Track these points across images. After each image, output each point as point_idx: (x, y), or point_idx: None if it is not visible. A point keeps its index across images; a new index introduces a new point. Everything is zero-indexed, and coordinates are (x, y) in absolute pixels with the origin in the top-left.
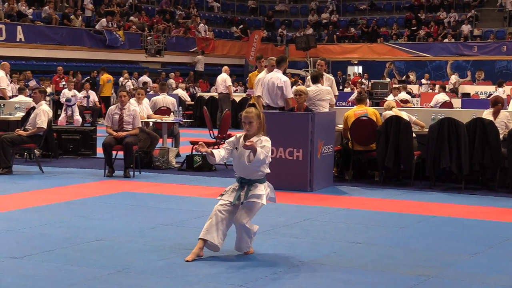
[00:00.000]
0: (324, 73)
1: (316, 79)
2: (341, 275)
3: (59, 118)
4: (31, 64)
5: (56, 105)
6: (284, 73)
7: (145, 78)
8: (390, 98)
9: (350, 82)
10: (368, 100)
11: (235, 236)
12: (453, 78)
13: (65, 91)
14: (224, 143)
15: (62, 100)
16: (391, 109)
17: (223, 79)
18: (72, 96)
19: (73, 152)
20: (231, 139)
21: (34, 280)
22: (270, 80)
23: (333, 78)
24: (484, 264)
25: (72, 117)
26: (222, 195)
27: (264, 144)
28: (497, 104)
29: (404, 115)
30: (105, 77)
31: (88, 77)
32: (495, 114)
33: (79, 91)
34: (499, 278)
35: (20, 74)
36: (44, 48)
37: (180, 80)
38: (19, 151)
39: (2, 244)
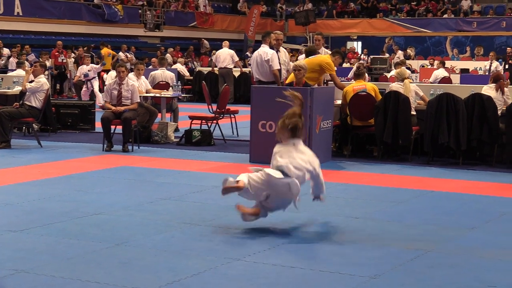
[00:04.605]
0: (322, 48)
1: (310, 54)
2: (338, 249)
3: (81, 92)
4: (29, 38)
5: (55, 79)
6: (271, 46)
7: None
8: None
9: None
10: (367, 75)
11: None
12: (400, 53)
13: (83, 66)
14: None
15: (81, 76)
16: (403, 80)
17: (230, 54)
18: (88, 71)
19: (71, 126)
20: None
21: (33, 253)
22: (258, 55)
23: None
24: (481, 239)
25: (92, 91)
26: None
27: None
28: (499, 80)
29: (412, 90)
30: (106, 51)
31: (90, 55)
32: (497, 89)
33: (79, 65)
34: (496, 252)
35: (22, 49)
36: (42, 22)
37: (179, 55)
38: (17, 125)
39: (1, 218)
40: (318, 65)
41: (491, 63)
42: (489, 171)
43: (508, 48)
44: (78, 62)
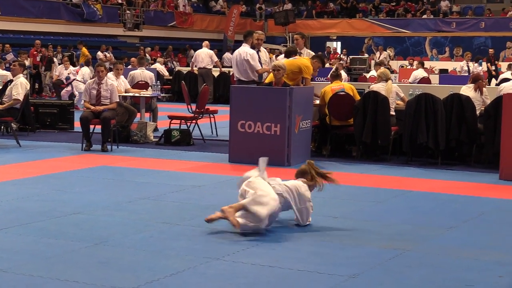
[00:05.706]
0: (304, 49)
1: (290, 54)
2: (316, 248)
3: (61, 92)
4: (8, 37)
5: (34, 79)
6: (252, 46)
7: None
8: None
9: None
10: (347, 75)
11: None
12: (385, 53)
13: (63, 70)
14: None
15: (60, 75)
16: (387, 80)
17: (209, 54)
18: (68, 74)
19: (50, 126)
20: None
21: (11, 253)
22: (238, 54)
23: (313, 54)
24: (459, 238)
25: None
26: None
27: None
28: (478, 80)
29: (394, 91)
30: (86, 51)
31: (69, 53)
32: (475, 90)
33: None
34: (474, 252)
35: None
36: (20, 21)
37: (158, 55)
38: None
39: None
40: (298, 67)
41: (467, 63)
42: (468, 171)
43: (490, 50)
44: (50, 63)
